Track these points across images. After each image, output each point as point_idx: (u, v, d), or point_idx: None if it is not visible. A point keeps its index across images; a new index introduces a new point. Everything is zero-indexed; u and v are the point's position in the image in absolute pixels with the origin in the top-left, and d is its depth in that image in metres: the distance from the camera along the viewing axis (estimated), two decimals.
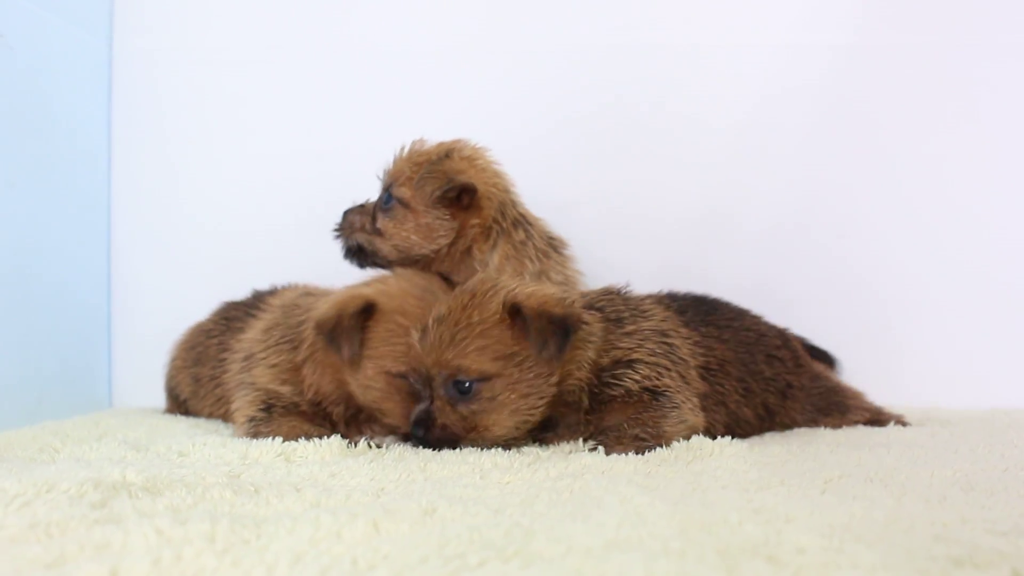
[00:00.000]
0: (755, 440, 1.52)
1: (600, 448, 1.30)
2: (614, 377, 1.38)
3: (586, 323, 1.39)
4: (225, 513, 0.87)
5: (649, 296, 1.59)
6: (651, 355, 1.40)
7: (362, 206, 1.68)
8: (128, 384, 2.08)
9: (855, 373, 1.88)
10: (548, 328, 1.31)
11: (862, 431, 1.60)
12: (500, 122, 1.77)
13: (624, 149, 2.11)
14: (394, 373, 1.43)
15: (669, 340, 1.45)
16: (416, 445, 1.39)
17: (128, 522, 0.80)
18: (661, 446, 1.30)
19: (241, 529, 0.79)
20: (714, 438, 1.46)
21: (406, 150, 1.66)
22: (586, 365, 1.38)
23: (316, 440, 1.34)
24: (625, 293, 1.55)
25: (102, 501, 0.91)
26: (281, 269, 1.86)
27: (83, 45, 2.04)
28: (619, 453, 1.27)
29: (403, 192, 1.59)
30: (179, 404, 1.87)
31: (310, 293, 1.67)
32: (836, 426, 1.64)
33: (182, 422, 1.72)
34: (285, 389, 1.53)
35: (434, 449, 1.34)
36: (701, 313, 1.60)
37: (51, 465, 1.12)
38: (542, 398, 1.35)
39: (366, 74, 2.16)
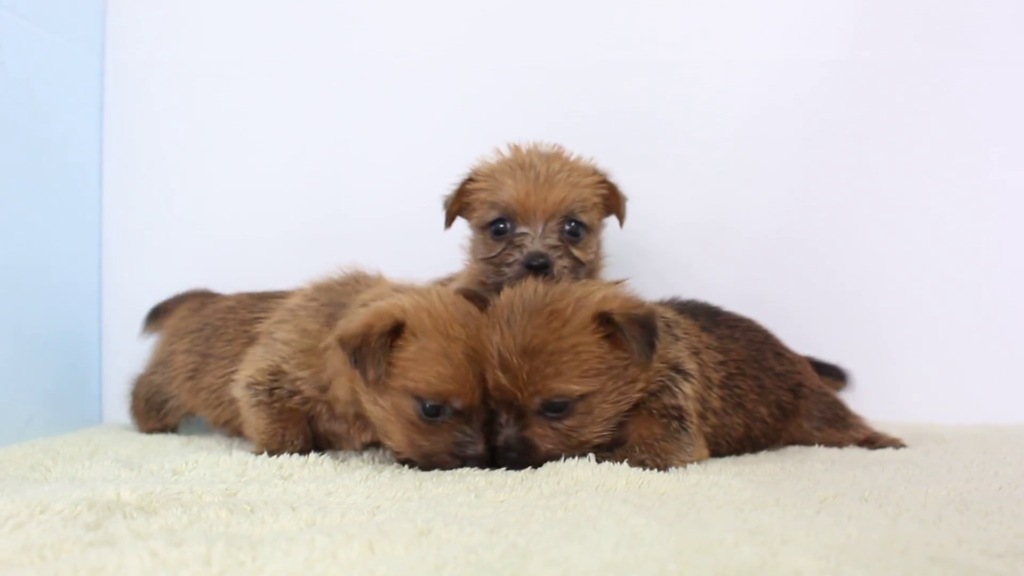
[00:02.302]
0: (747, 458, 1.52)
1: (591, 456, 1.27)
2: (661, 386, 1.37)
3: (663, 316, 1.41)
4: (221, 534, 0.87)
5: (661, 303, 1.60)
6: (691, 374, 1.41)
7: (553, 246, 1.47)
8: (119, 400, 2.04)
9: (848, 388, 1.88)
10: (641, 332, 1.27)
11: (855, 449, 1.61)
12: (494, 133, 1.76)
13: (617, 161, 2.10)
14: (424, 397, 1.30)
15: (701, 357, 1.47)
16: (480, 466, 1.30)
17: (123, 544, 0.80)
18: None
19: (237, 551, 0.78)
20: (732, 446, 1.52)
21: (567, 174, 1.53)
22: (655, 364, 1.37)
23: (313, 455, 1.35)
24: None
25: (96, 522, 0.90)
26: (274, 284, 1.86)
27: (74, 59, 2.03)
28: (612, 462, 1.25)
29: (591, 217, 1.54)
30: (154, 410, 1.85)
31: (365, 282, 1.57)
32: (837, 440, 1.64)
33: (174, 440, 1.71)
34: (300, 373, 1.47)
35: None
36: (711, 315, 1.63)
37: (44, 484, 1.12)
38: (628, 404, 1.34)
39: (357, 86, 2.16)
